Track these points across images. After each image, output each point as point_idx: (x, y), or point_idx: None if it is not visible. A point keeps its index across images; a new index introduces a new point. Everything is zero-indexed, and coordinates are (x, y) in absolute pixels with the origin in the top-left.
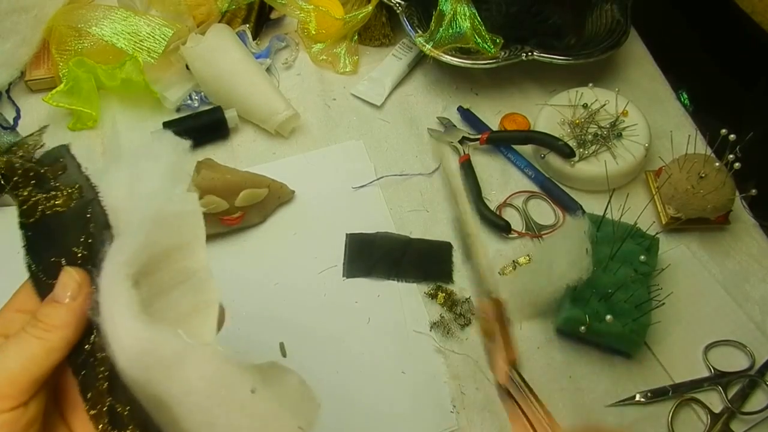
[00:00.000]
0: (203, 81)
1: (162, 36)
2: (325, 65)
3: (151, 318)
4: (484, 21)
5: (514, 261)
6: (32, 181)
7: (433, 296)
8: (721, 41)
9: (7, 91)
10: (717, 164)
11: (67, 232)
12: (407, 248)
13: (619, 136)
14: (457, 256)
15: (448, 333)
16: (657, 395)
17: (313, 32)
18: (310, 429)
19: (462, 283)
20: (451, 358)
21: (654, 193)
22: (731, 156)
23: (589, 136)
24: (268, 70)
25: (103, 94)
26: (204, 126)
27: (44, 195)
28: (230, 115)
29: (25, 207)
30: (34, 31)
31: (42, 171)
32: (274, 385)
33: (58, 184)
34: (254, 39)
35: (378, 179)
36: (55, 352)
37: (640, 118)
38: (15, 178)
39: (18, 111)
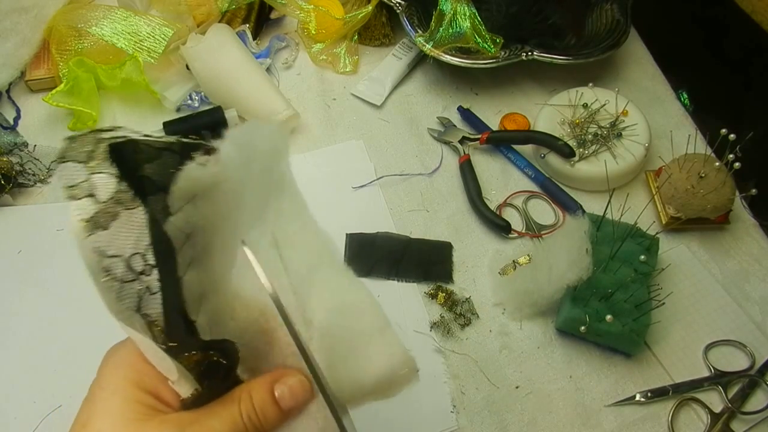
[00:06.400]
0: (203, 81)
1: (162, 36)
2: (325, 65)
3: None
4: (484, 21)
5: (514, 261)
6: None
7: (433, 296)
8: (721, 41)
9: (8, 91)
10: (717, 164)
11: None
12: (407, 248)
13: (619, 136)
14: (457, 256)
15: (448, 333)
16: (657, 395)
17: (313, 32)
18: None
19: (462, 283)
20: (451, 358)
21: (654, 193)
22: (731, 156)
23: (589, 136)
24: (268, 70)
25: (103, 94)
26: (204, 126)
27: None
28: (230, 115)
29: None
30: (34, 31)
31: None
32: None
33: None
34: (254, 39)
35: (378, 179)
36: None
37: (640, 118)
38: None
39: (18, 111)
